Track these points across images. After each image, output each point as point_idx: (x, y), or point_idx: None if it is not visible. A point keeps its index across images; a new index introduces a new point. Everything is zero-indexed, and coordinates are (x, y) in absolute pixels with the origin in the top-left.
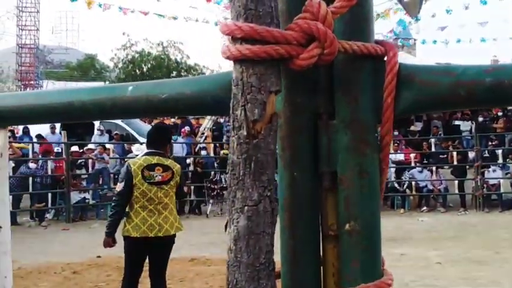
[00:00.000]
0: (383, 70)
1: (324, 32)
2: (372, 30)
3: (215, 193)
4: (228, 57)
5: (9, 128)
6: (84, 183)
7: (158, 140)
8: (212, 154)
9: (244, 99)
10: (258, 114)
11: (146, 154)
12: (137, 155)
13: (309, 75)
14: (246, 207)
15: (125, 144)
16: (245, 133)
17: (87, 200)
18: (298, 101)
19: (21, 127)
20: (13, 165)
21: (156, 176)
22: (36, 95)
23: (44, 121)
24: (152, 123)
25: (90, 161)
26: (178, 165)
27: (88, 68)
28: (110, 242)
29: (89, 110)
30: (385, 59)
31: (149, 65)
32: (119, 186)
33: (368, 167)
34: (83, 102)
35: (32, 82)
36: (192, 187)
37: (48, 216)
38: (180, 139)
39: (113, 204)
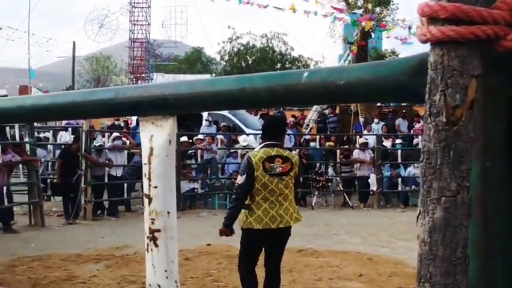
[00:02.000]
0: None
1: None
2: None
3: (320, 185)
4: (427, 40)
5: (123, 118)
6: (193, 173)
7: (276, 131)
8: (318, 146)
9: (445, 84)
10: (459, 100)
11: (265, 146)
12: (244, 146)
13: (506, 57)
14: (443, 198)
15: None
16: (444, 120)
17: (196, 190)
18: (493, 85)
19: (134, 118)
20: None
21: (276, 167)
22: (206, 82)
23: (214, 108)
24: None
25: (199, 151)
26: (296, 156)
27: (194, 61)
28: (228, 232)
29: (262, 97)
30: None
31: (254, 58)
32: (241, 179)
33: None
34: (256, 89)
35: (143, 75)
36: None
37: None
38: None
39: (234, 196)
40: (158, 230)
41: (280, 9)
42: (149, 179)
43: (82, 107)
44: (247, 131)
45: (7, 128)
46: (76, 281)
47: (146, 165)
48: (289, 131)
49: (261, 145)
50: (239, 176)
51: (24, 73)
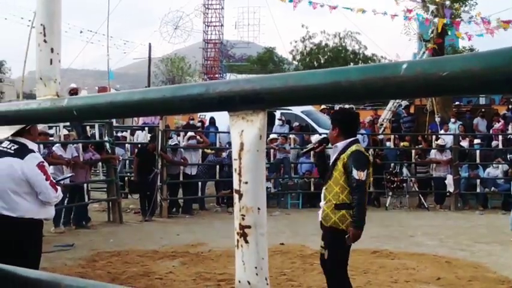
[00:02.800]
0: None
1: None
2: None
3: (394, 185)
4: None
5: (198, 118)
6: (266, 172)
7: (355, 127)
8: (392, 146)
9: None
10: None
11: (355, 142)
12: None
13: None
14: None
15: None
16: None
17: (269, 189)
18: None
19: (208, 117)
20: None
21: None
22: (298, 76)
23: (306, 103)
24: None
25: (272, 150)
26: None
27: (266, 61)
28: (360, 234)
29: (357, 91)
30: None
31: (326, 57)
32: (363, 175)
33: None
34: (352, 83)
35: (216, 75)
36: (371, 179)
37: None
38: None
39: (359, 194)
40: (249, 227)
41: (349, 9)
42: (239, 174)
43: (171, 103)
44: (320, 130)
45: (88, 127)
46: (152, 276)
47: (236, 160)
48: (362, 131)
49: (350, 140)
50: (360, 172)
51: (103, 75)
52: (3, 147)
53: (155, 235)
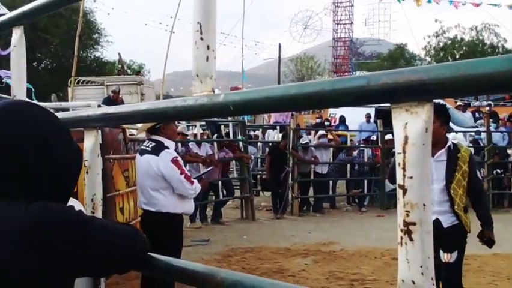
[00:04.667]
0: None
1: None
2: None
3: None
4: None
5: (326, 117)
6: None
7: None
8: None
9: None
10: None
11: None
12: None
13: None
14: None
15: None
16: None
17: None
18: None
19: (338, 116)
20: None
21: None
22: (469, 64)
23: (477, 93)
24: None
25: None
26: None
27: (397, 58)
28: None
29: None
30: None
31: (461, 52)
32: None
33: None
34: None
35: (346, 74)
36: None
37: (365, 202)
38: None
39: (485, 196)
40: (414, 223)
41: (495, 5)
42: (403, 168)
43: (330, 96)
44: (456, 128)
45: (222, 126)
46: (285, 273)
47: (400, 154)
48: (502, 128)
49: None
50: (478, 173)
51: (235, 76)
52: (144, 146)
53: (287, 232)
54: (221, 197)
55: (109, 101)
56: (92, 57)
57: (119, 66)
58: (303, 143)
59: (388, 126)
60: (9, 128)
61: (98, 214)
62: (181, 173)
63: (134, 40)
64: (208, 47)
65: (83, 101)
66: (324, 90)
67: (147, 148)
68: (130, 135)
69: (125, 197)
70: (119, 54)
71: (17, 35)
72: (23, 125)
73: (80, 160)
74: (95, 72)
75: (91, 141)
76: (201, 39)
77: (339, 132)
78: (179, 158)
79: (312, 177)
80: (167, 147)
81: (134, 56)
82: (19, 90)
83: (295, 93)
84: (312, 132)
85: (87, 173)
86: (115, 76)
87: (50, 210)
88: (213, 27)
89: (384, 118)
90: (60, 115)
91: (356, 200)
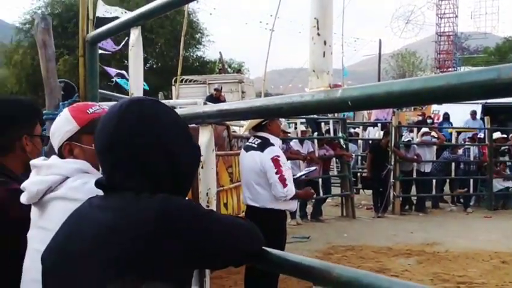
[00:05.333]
0: None
1: None
2: None
3: None
4: None
5: (429, 114)
6: (508, 170)
7: None
8: None
9: None
10: None
11: None
12: None
13: None
14: None
15: None
16: None
17: (510, 189)
18: None
19: (442, 112)
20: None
21: None
22: None
23: None
24: None
25: None
26: None
27: (506, 52)
28: None
29: None
30: None
31: None
32: None
33: None
34: None
35: (450, 69)
36: None
37: (471, 202)
38: None
39: None
40: None
41: None
42: None
43: (457, 90)
44: None
45: (322, 124)
46: (388, 273)
47: None
48: None
49: None
50: None
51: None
52: (250, 142)
53: (388, 232)
54: (321, 194)
55: (212, 99)
56: (195, 56)
57: (220, 65)
58: (406, 140)
59: (496, 124)
60: (135, 126)
61: (213, 208)
62: (277, 173)
63: (234, 39)
64: (325, 43)
65: (187, 99)
66: (449, 84)
67: (253, 144)
68: (232, 131)
69: (229, 193)
70: (220, 53)
71: (135, 35)
72: (148, 123)
73: (199, 156)
74: (196, 71)
75: (206, 137)
76: (318, 34)
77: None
78: (281, 158)
79: (414, 175)
80: (272, 144)
81: (234, 55)
82: (136, 88)
83: (419, 88)
84: (415, 129)
85: (202, 167)
86: (216, 75)
87: (173, 202)
88: (330, 23)
89: (493, 115)
90: (178, 111)
91: (461, 200)
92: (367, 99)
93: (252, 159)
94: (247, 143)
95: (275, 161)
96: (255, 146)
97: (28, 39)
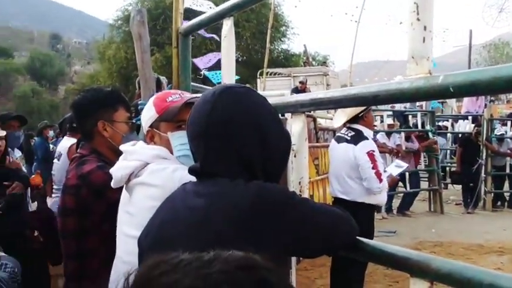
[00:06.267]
0: None
1: None
2: None
3: None
4: None
5: None
6: None
7: None
8: None
9: None
10: None
11: None
12: None
13: None
14: None
15: None
16: None
17: None
18: None
19: None
20: None
21: None
22: None
23: None
24: None
25: None
26: None
27: None
28: None
29: None
30: None
31: None
32: None
33: None
34: None
35: None
36: None
37: None
38: None
39: None
40: None
41: None
42: None
43: None
44: None
45: (410, 117)
46: None
47: None
48: None
49: None
50: None
51: None
52: (342, 134)
53: (479, 228)
54: (408, 188)
55: (297, 91)
56: (280, 49)
57: (305, 57)
58: (498, 134)
59: None
60: (229, 112)
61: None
62: (373, 168)
63: (319, 31)
64: (425, 28)
65: (272, 91)
66: None
67: (346, 136)
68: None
69: (315, 185)
70: (304, 46)
71: (228, 26)
72: (242, 111)
73: (290, 145)
74: (281, 64)
75: (299, 126)
76: (418, 19)
77: None
78: (376, 152)
79: (507, 170)
80: (366, 138)
81: (318, 47)
82: (229, 78)
83: None
84: (508, 123)
85: (295, 156)
86: (301, 67)
87: (268, 189)
88: (430, 7)
89: None
90: (270, 101)
91: None
92: (471, 85)
93: (344, 152)
94: (339, 134)
95: (371, 155)
96: (348, 138)
97: (120, 35)
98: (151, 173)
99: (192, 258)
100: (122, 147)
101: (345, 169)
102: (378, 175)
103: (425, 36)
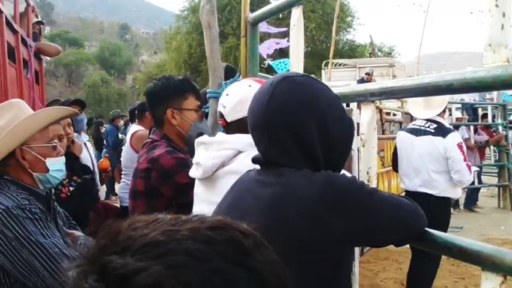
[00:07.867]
0: None
1: None
2: None
3: None
4: None
5: None
6: None
7: None
8: None
9: None
10: None
11: None
12: None
13: None
14: None
15: None
16: None
17: None
18: None
19: None
20: None
21: None
22: None
23: None
24: None
25: None
26: None
27: None
28: None
29: None
30: None
31: None
32: None
33: None
34: None
35: None
36: None
37: None
38: None
39: None
40: None
41: None
42: None
43: None
44: None
45: (479, 110)
46: None
47: None
48: None
49: None
50: None
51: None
52: (420, 126)
53: None
54: (476, 183)
55: (363, 82)
56: (345, 40)
57: (371, 48)
58: None
59: None
60: (287, 101)
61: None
62: (464, 160)
63: (385, 22)
64: (503, 14)
65: (338, 82)
66: None
67: (428, 129)
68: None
69: (380, 177)
70: (370, 36)
71: (296, 14)
72: (300, 99)
73: (352, 134)
74: (346, 55)
75: (368, 115)
76: (496, 6)
77: None
78: (464, 144)
79: None
80: (452, 130)
81: (384, 38)
82: (297, 66)
83: None
84: None
85: (363, 146)
86: (366, 58)
87: (336, 178)
88: None
89: None
90: (337, 90)
91: None
92: None
93: (429, 145)
94: (415, 126)
95: (460, 147)
96: (432, 130)
97: (186, 26)
98: (246, 162)
99: (167, 218)
100: (200, 139)
101: (431, 162)
102: (469, 167)
103: (503, 23)
